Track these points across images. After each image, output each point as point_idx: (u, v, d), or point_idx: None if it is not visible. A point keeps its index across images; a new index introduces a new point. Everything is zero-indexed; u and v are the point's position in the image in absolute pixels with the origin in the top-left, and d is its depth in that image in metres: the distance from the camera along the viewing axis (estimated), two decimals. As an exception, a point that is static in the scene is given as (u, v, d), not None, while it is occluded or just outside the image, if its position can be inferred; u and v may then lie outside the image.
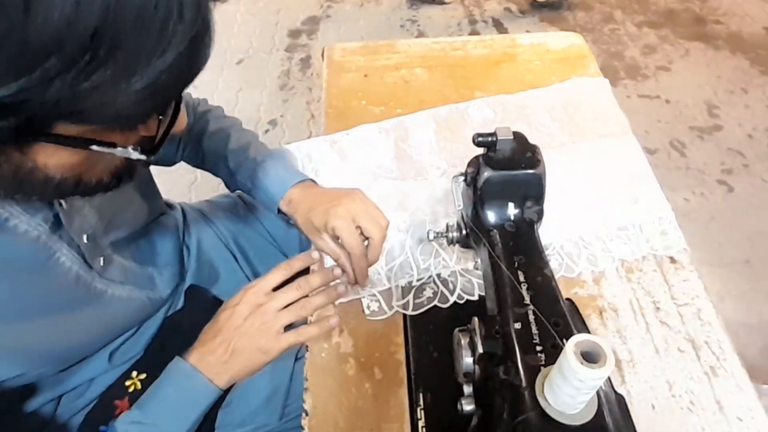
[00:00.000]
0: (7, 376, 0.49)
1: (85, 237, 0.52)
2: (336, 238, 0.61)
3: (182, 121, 0.42)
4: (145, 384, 0.63)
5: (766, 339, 1.37)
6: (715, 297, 0.62)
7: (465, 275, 0.65)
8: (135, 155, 0.38)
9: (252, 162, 0.68)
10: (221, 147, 0.71)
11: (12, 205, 0.44)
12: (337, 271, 0.60)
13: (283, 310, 0.56)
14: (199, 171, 1.93)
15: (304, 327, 0.57)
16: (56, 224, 0.49)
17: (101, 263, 0.55)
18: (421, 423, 0.54)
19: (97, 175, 0.41)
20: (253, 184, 0.68)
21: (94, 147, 0.35)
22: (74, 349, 0.56)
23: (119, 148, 0.37)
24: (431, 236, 0.57)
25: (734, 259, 1.55)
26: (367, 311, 0.62)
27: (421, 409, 0.55)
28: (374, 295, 0.63)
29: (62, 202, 0.48)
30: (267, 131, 1.92)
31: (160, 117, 0.39)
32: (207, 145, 0.72)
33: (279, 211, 0.66)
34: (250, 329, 0.54)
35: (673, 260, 0.66)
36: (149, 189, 0.68)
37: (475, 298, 0.63)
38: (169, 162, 0.75)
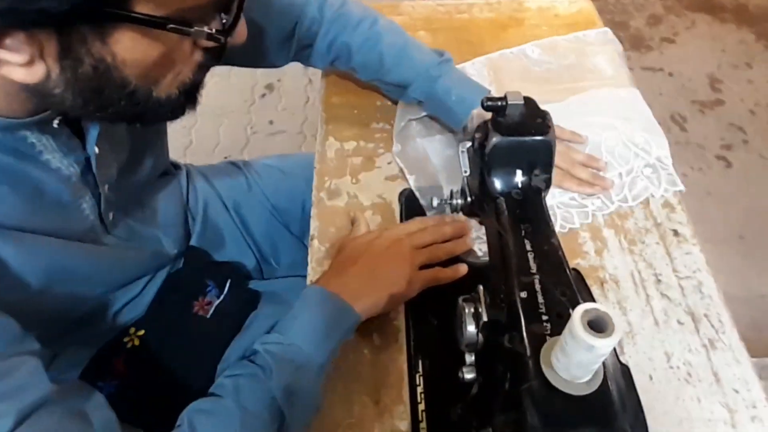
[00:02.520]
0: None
1: (106, 187, 0.52)
2: None
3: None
4: (144, 341, 0.63)
5: (755, 312, 1.40)
6: (710, 272, 0.62)
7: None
8: (212, 37, 0.39)
9: (424, 77, 0.68)
10: (375, 64, 0.70)
11: (49, 139, 0.44)
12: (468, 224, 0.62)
13: (419, 249, 0.57)
14: (194, 133, 1.89)
15: (439, 269, 0.58)
16: (86, 169, 0.49)
17: (111, 218, 0.55)
18: (419, 389, 0.54)
19: (167, 87, 0.42)
20: (429, 99, 0.69)
21: (171, 26, 0.36)
22: (86, 282, 0.55)
23: (196, 28, 0.37)
24: (435, 203, 0.56)
25: (729, 234, 1.55)
26: None
27: (419, 376, 0.55)
28: None
29: (97, 148, 0.48)
30: (264, 95, 1.89)
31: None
32: (357, 63, 0.70)
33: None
34: (392, 259, 0.55)
35: (676, 233, 0.66)
36: (162, 143, 0.67)
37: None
38: (268, 64, 0.72)
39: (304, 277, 0.62)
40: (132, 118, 0.44)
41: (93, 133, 0.48)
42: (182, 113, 0.46)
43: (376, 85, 0.74)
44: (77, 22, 0.34)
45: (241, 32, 0.43)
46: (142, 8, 0.34)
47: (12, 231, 0.43)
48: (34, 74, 0.35)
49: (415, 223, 0.61)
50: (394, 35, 0.70)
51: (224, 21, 0.41)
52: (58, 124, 0.44)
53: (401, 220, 0.67)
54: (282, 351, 0.49)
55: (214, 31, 0.39)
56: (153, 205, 0.66)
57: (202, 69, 0.44)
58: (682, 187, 0.70)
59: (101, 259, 0.55)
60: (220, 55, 0.44)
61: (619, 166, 0.71)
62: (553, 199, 0.68)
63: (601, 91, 0.80)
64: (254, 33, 0.63)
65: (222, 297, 0.69)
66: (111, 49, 0.36)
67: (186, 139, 1.71)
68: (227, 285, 0.69)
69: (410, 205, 0.68)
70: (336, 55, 0.71)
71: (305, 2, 0.68)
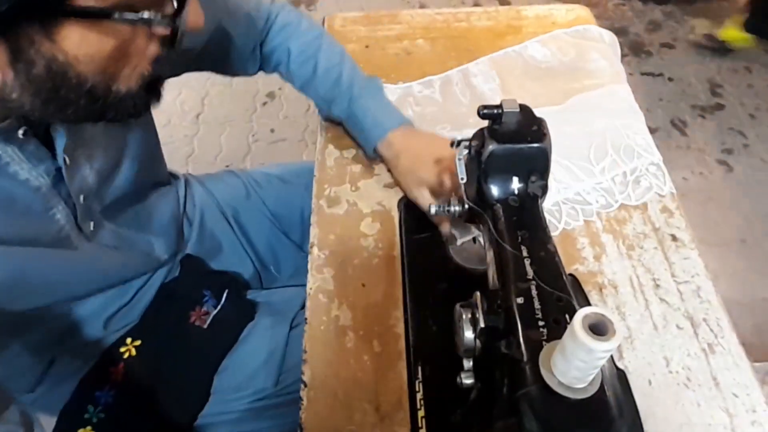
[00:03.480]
0: None
1: (81, 197, 0.52)
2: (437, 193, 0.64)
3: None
4: (140, 351, 0.63)
5: (757, 317, 1.39)
6: (710, 275, 0.63)
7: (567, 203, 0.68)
8: (159, 23, 0.39)
9: (346, 95, 0.70)
10: (308, 72, 0.72)
11: (15, 150, 0.44)
12: None
13: None
14: (196, 142, 1.91)
15: None
16: (57, 179, 0.48)
17: (91, 227, 0.55)
18: (419, 395, 0.54)
19: (126, 81, 0.41)
20: (348, 118, 0.71)
21: (117, 15, 0.36)
22: (64, 288, 0.55)
23: (142, 15, 0.37)
24: (433, 210, 0.57)
25: (730, 238, 1.55)
26: None
27: (419, 382, 0.55)
28: None
29: (66, 158, 0.48)
30: (265, 104, 1.90)
31: None
32: (293, 68, 0.73)
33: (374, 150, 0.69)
34: None
35: (674, 238, 0.66)
36: (152, 150, 0.67)
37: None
38: (242, 71, 0.74)
39: (303, 286, 0.62)
40: (95, 117, 0.43)
41: (60, 142, 0.47)
42: (146, 108, 0.46)
43: (308, 97, 0.75)
44: (21, 23, 0.33)
45: (193, 18, 0.42)
46: (84, 0, 0.34)
47: None
48: None
49: None
50: (333, 51, 0.73)
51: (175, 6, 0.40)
52: (24, 134, 0.44)
53: (401, 228, 0.67)
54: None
55: (160, 17, 0.39)
56: (146, 211, 0.66)
57: (161, 61, 0.44)
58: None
59: (78, 265, 0.54)
60: (174, 43, 0.43)
61: (624, 164, 0.72)
62: (558, 195, 0.69)
63: (601, 90, 0.81)
64: (225, 39, 0.67)
65: (219, 307, 0.69)
66: (60, 46, 0.35)
67: (188, 148, 1.72)
68: (225, 295, 0.70)
69: (410, 213, 0.68)
70: (278, 60, 0.73)
71: (269, 12, 0.72)
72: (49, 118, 0.44)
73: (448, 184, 0.61)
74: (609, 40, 0.91)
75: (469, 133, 0.50)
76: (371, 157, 0.71)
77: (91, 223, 0.55)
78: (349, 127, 0.73)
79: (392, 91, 0.81)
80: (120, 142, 0.58)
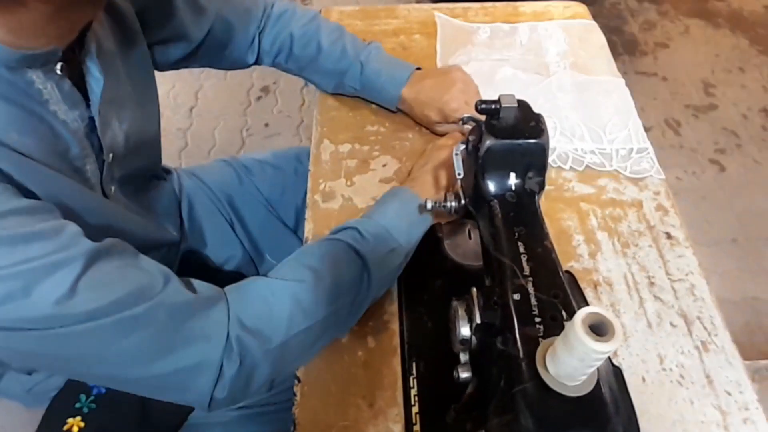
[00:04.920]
0: None
1: (111, 156, 0.52)
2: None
3: None
4: None
5: (748, 316, 1.40)
6: (703, 274, 0.63)
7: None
8: None
9: (356, 64, 0.73)
10: (313, 52, 0.74)
11: (54, 88, 0.44)
12: None
13: None
14: (189, 136, 1.90)
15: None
16: (90, 129, 0.49)
17: (112, 191, 0.54)
18: (413, 392, 0.54)
19: None
20: (364, 85, 0.74)
21: None
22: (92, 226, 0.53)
23: None
24: (429, 206, 0.56)
25: (722, 237, 1.56)
26: None
27: (413, 378, 0.55)
28: None
29: (101, 108, 0.48)
30: (259, 98, 1.88)
31: None
32: (297, 51, 0.74)
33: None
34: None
35: (669, 236, 0.66)
36: (158, 135, 0.68)
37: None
38: (241, 62, 0.75)
39: None
40: None
41: (96, 90, 0.48)
42: None
43: (311, 79, 0.78)
44: None
45: None
46: None
47: (41, 165, 0.43)
48: None
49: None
50: (331, 28, 0.75)
51: None
52: (61, 70, 0.44)
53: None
54: (377, 231, 0.55)
55: None
56: (149, 199, 0.66)
57: None
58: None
59: (110, 212, 0.54)
60: None
61: (636, 143, 0.75)
62: (558, 144, 0.74)
63: (601, 78, 0.84)
64: (225, 29, 0.68)
65: None
66: None
67: (181, 142, 1.71)
68: None
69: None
70: (280, 47, 0.74)
71: (265, 2, 0.73)
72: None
73: (470, 102, 0.68)
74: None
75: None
76: (396, 110, 0.76)
77: (112, 188, 0.55)
78: (365, 94, 0.76)
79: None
80: (143, 112, 0.59)
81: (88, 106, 0.48)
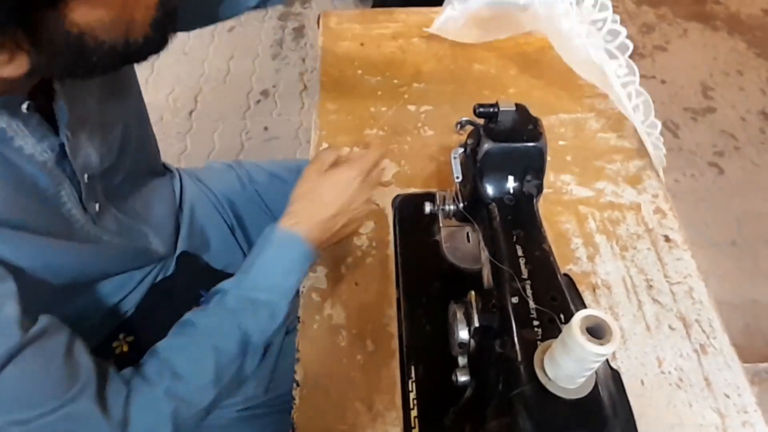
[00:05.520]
0: None
1: (86, 176, 0.52)
2: None
3: None
4: (133, 347, 0.63)
5: (747, 318, 1.40)
6: (701, 277, 0.63)
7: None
8: None
9: None
10: None
11: (19, 124, 0.44)
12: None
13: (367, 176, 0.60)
14: (189, 139, 1.90)
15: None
16: (61, 156, 0.49)
17: (96, 209, 0.54)
18: (412, 395, 0.54)
19: (141, 29, 0.42)
20: None
21: None
22: (62, 275, 0.54)
23: None
24: (427, 209, 0.56)
25: (721, 239, 1.56)
26: None
27: (412, 382, 0.55)
28: None
29: (68, 134, 0.48)
30: (259, 102, 1.89)
31: None
32: None
33: None
34: (344, 191, 0.58)
35: (667, 239, 0.66)
36: (146, 135, 0.67)
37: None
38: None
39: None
40: (120, 65, 0.44)
41: (63, 117, 0.48)
42: (165, 44, 0.46)
43: None
44: (35, 8, 0.35)
45: None
46: None
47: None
48: (18, 67, 0.37)
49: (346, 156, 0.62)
50: None
51: None
52: (27, 109, 0.44)
53: (395, 227, 0.67)
54: (249, 291, 0.52)
55: None
56: (144, 202, 0.66)
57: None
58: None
59: (84, 249, 0.54)
60: None
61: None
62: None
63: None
64: None
65: None
66: (72, 21, 0.36)
67: (181, 145, 1.71)
68: None
69: (404, 212, 0.68)
70: None
71: None
72: (78, 78, 0.45)
73: None
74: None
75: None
76: None
77: (96, 205, 0.55)
78: None
79: None
80: (117, 122, 0.58)
81: (57, 133, 0.48)
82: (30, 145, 0.45)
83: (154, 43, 0.44)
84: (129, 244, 0.60)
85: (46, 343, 0.42)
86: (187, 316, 0.53)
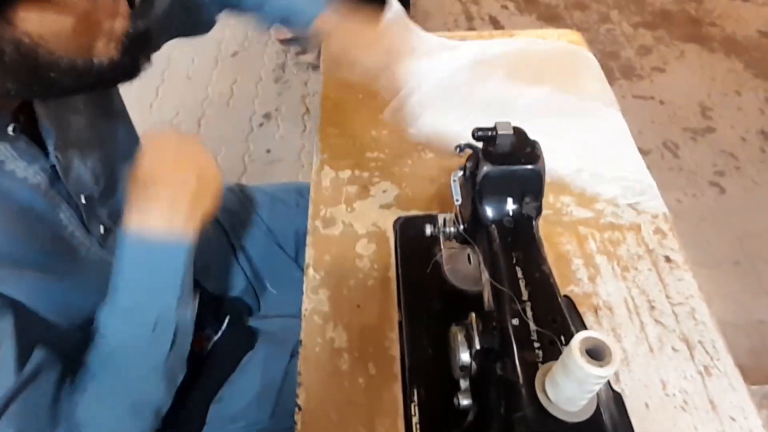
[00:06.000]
0: None
1: (83, 197, 0.51)
2: None
3: None
4: None
5: (753, 340, 1.39)
6: (704, 297, 0.63)
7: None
8: None
9: None
10: None
11: (7, 147, 0.43)
12: None
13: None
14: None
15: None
16: (54, 177, 0.48)
17: (101, 231, 0.54)
18: (415, 419, 0.53)
19: (106, 51, 0.40)
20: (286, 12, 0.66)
21: None
22: (67, 311, 0.53)
23: None
24: (428, 231, 0.57)
25: (724, 259, 1.56)
26: None
27: (414, 405, 0.54)
28: None
29: (58, 155, 0.48)
30: (261, 125, 1.91)
31: None
32: None
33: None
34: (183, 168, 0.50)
35: (668, 259, 0.66)
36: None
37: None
38: (209, 18, 0.70)
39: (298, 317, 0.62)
40: (86, 89, 0.43)
41: (50, 140, 0.47)
42: (137, 71, 0.44)
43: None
44: None
45: None
46: None
47: None
48: None
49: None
50: None
51: None
52: (13, 131, 0.43)
53: (396, 249, 0.67)
54: (124, 318, 0.48)
55: None
56: None
57: (139, 17, 0.42)
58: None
59: (90, 274, 0.53)
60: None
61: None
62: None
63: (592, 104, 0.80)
64: None
65: (221, 333, 0.68)
66: (22, 29, 0.35)
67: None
68: (226, 321, 0.69)
69: (405, 234, 0.68)
70: None
71: None
72: (39, 97, 0.43)
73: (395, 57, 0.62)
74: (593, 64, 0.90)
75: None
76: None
77: (101, 227, 0.54)
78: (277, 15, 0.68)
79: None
80: (109, 142, 0.58)
81: (47, 155, 0.47)
82: (21, 168, 0.45)
83: (122, 68, 0.42)
84: None
85: (37, 386, 0.42)
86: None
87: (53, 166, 0.48)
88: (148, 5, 0.44)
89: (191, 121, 1.89)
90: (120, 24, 0.41)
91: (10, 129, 0.43)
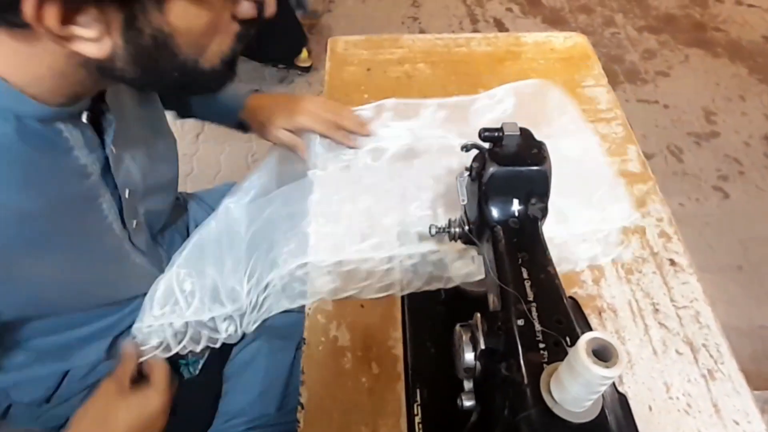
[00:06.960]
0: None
1: (127, 192, 0.53)
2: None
3: None
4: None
5: (756, 344, 1.38)
6: (708, 301, 0.63)
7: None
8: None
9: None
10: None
11: (79, 134, 0.45)
12: None
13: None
14: (195, 161, 1.91)
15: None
16: (105, 169, 0.50)
17: (134, 226, 0.56)
18: (417, 419, 0.53)
19: (211, 58, 0.43)
20: (209, 106, 0.77)
21: None
22: (82, 295, 0.54)
23: None
24: (433, 231, 0.57)
25: (727, 264, 1.56)
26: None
27: (417, 405, 0.54)
28: None
29: (113, 147, 0.50)
30: (265, 124, 1.91)
31: None
32: None
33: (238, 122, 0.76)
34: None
35: (672, 263, 0.66)
36: (173, 154, 0.69)
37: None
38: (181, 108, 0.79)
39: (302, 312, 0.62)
40: (181, 89, 0.48)
41: (111, 132, 0.49)
42: (224, 83, 0.47)
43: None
44: None
45: (270, 4, 0.45)
46: None
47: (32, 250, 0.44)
48: (102, 49, 0.37)
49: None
50: None
51: None
52: (87, 119, 0.46)
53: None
54: None
55: None
56: (163, 225, 0.67)
57: (239, 39, 0.45)
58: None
59: (120, 268, 0.55)
60: (253, 26, 0.45)
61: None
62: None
63: (566, 141, 0.72)
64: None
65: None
66: (167, 18, 0.37)
67: (187, 167, 1.73)
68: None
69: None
70: None
71: None
72: (146, 87, 0.47)
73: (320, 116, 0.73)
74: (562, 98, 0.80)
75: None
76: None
77: (134, 222, 0.56)
78: (210, 116, 0.82)
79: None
80: (154, 144, 0.60)
81: (103, 146, 0.50)
82: (84, 155, 0.47)
83: (215, 79, 0.45)
84: (148, 269, 0.60)
85: None
86: None
87: (106, 158, 0.50)
88: (252, 28, 0.45)
89: (195, 121, 1.90)
90: (230, 38, 0.44)
91: (84, 117, 0.46)
